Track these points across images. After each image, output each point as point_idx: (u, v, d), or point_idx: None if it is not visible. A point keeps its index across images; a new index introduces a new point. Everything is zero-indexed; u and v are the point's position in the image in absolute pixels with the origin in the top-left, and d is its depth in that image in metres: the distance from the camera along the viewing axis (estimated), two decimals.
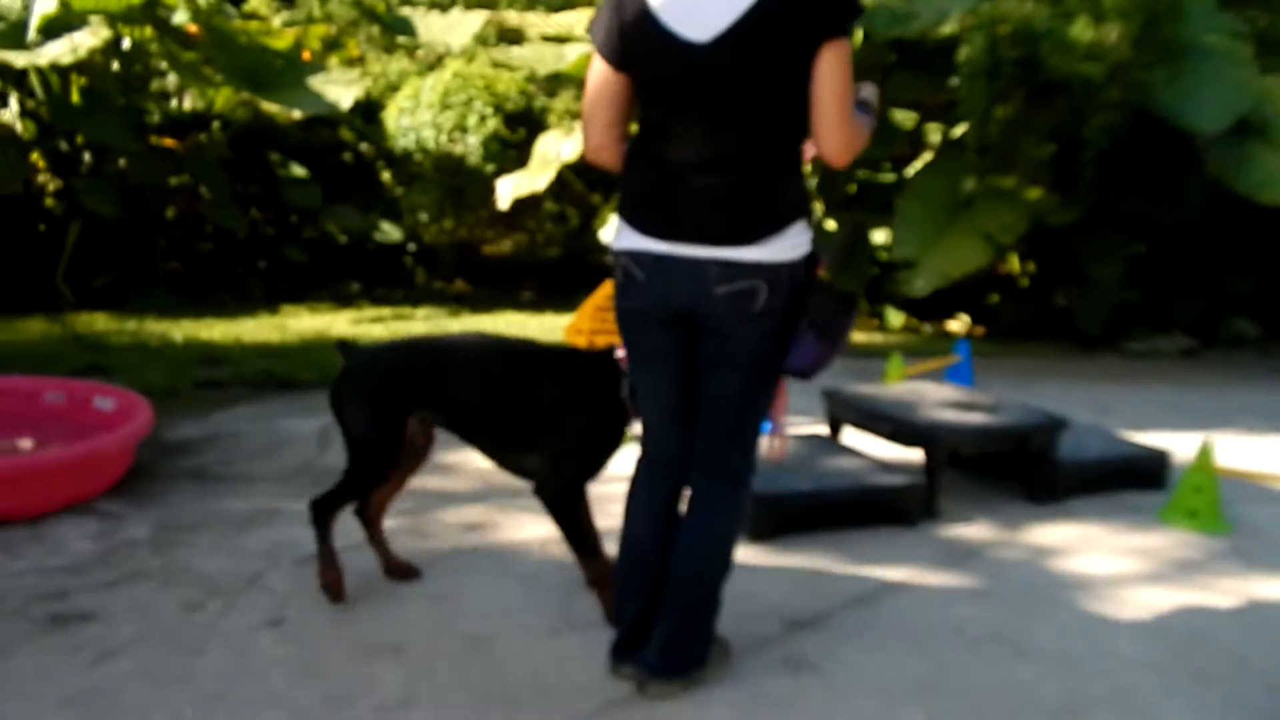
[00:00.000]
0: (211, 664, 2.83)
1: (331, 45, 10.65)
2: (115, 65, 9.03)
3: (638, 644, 2.73)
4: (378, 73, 10.96)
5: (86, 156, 9.13)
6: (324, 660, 2.87)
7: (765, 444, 2.85)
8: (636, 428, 2.88)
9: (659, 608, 2.69)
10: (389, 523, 3.72)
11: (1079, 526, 4.21)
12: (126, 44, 8.88)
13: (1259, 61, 7.83)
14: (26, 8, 8.31)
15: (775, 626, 3.17)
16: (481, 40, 10.99)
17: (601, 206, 9.94)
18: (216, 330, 7.88)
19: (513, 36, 11.08)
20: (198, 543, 3.69)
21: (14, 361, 6.10)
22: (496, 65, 10.18)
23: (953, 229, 7.80)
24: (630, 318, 2.66)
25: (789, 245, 2.46)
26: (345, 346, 3.22)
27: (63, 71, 8.54)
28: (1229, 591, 3.59)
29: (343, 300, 10.00)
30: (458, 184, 9.69)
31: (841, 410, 4.86)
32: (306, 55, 9.51)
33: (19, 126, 8.93)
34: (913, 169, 8.98)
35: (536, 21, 10.60)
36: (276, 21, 11.20)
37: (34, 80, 8.66)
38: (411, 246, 10.87)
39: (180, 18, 8.77)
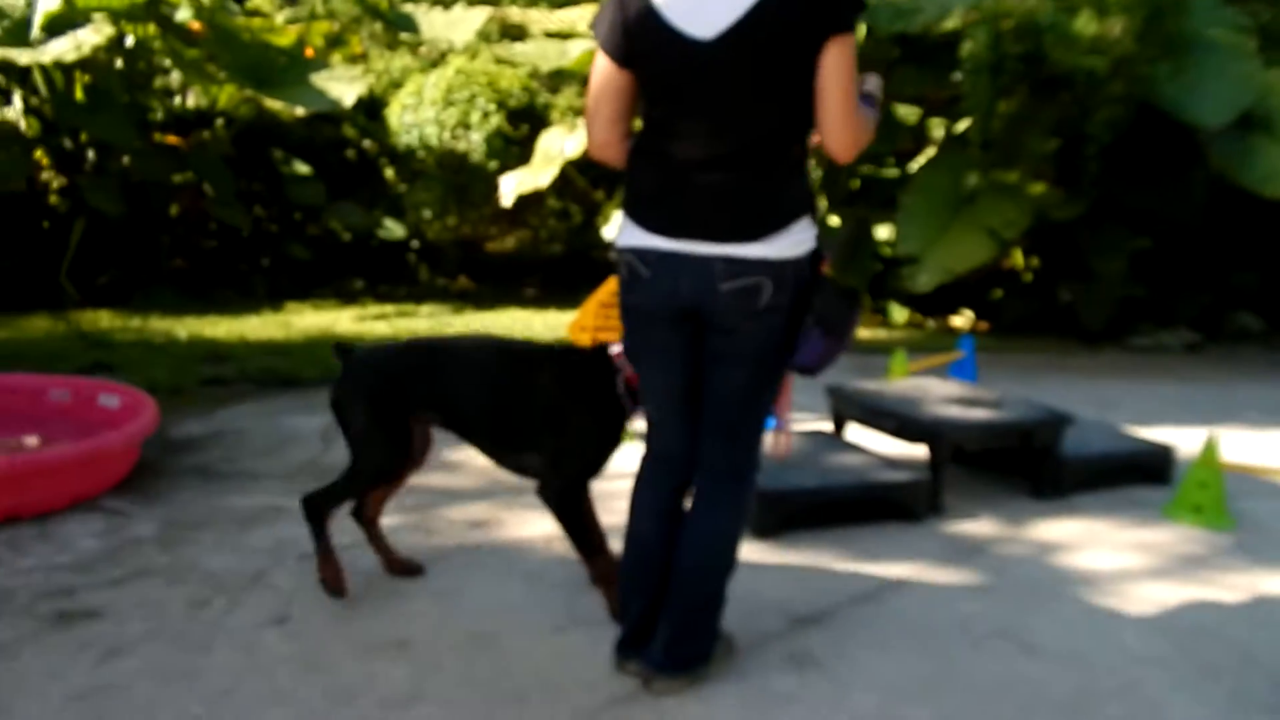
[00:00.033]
0: (218, 661, 2.83)
1: (334, 42, 10.65)
2: (119, 63, 9.03)
3: (643, 640, 2.74)
4: (380, 69, 10.95)
5: (90, 154, 9.13)
6: (329, 657, 2.87)
7: (769, 440, 2.86)
8: (638, 425, 2.89)
9: (664, 604, 2.70)
10: (393, 520, 3.74)
11: (1084, 522, 4.20)
12: (130, 41, 8.88)
13: (1263, 55, 7.80)
14: (30, 5, 8.31)
15: (780, 623, 3.17)
16: (484, 36, 10.97)
17: (605, 203, 9.94)
18: (221, 327, 7.89)
19: (515, 33, 11.06)
20: (203, 540, 3.70)
21: (19, 359, 6.12)
22: (499, 61, 10.17)
23: (956, 224, 7.78)
24: (635, 314, 2.66)
25: (793, 242, 2.47)
26: (343, 349, 3.21)
27: (66, 69, 8.54)
28: (1235, 586, 3.59)
29: (346, 297, 10.00)
30: (461, 181, 9.69)
31: (846, 406, 4.86)
32: (309, 52, 9.51)
33: (23, 124, 8.94)
34: (916, 164, 8.97)
35: (539, 18, 10.56)
36: (279, 18, 11.18)
37: (38, 78, 8.67)
38: (415, 243, 10.87)
39: (183, 15, 8.77)
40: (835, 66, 2.34)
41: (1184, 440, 5.11)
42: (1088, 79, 7.34)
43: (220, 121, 9.87)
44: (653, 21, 2.39)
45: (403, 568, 3.42)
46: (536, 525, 3.86)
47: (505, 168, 9.38)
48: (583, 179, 10.10)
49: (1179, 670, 2.97)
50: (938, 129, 9.10)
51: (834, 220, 9.31)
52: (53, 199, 9.30)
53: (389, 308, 9.40)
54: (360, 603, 3.21)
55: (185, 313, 8.48)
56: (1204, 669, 2.98)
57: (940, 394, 4.76)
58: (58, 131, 9.05)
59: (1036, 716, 2.70)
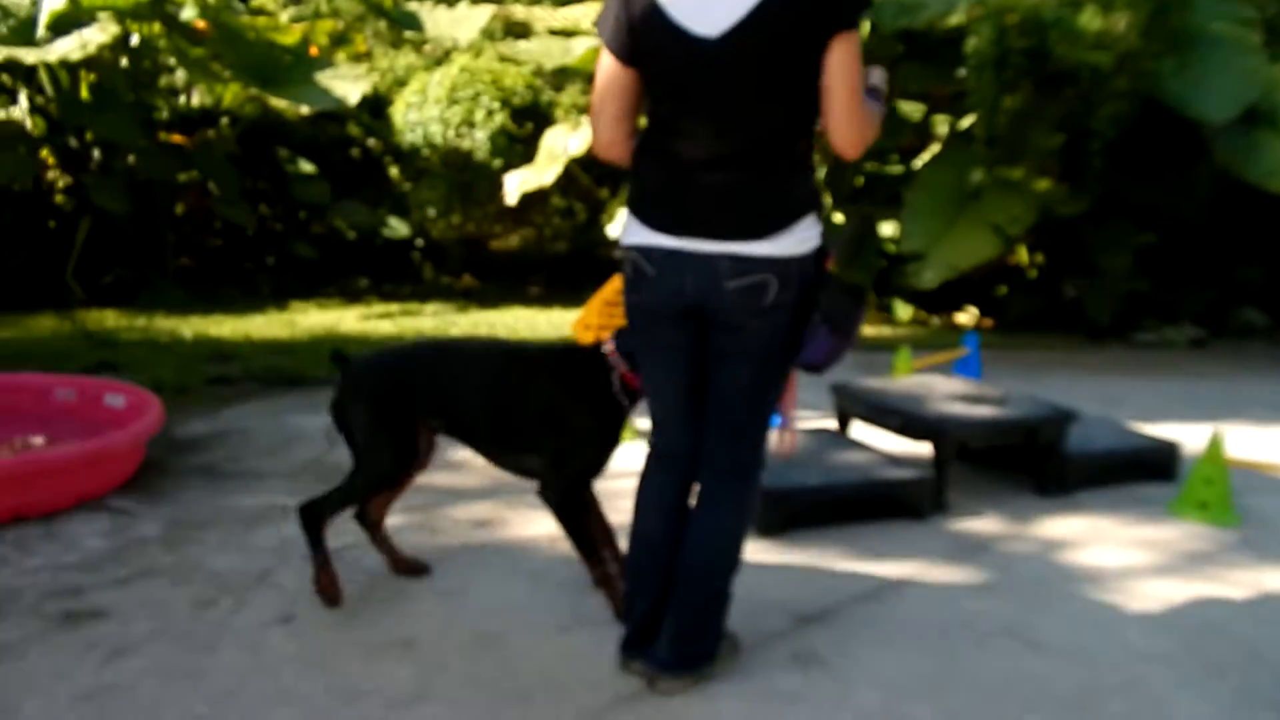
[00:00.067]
0: (223, 661, 2.84)
1: (339, 41, 10.65)
2: (124, 62, 9.04)
3: (648, 639, 2.74)
4: (385, 68, 10.96)
5: (96, 153, 9.15)
6: (335, 656, 2.88)
7: (774, 438, 2.86)
8: (643, 424, 2.89)
9: (669, 602, 2.70)
10: (397, 519, 3.74)
11: (1089, 519, 4.20)
12: (135, 40, 8.89)
13: (1268, 50, 7.79)
14: (36, 5, 8.33)
15: (784, 621, 3.17)
16: (488, 34, 10.97)
17: (609, 201, 9.93)
18: (226, 326, 7.90)
19: (519, 30, 11.06)
20: (208, 540, 3.71)
21: (25, 358, 6.14)
22: (503, 59, 10.17)
23: (961, 221, 7.78)
24: (640, 313, 2.66)
25: (799, 240, 2.47)
26: (341, 358, 3.18)
27: (72, 68, 8.56)
28: (1240, 583, 3.59)
29: (351, 296, 10.01)
30: (465, 179, 9.69)
31: (850, 404, 4.86)
32: (314, 51, 9.51)
33: (28, 123, 8.95)
34: (920, 161, 8.96)
35: (543, 15, 10.58)
36: (284, 17, 11.18)
37: (43, 77, 8.68)
38: (419, 242, 10.88)
39: (188, 14, 8.78)
40: (840, 63, 2.34)
41: (1189, 436, 5.10)
42: (1092, 74, 7.32)
43: (225, 120, 9.89)
44: (658, 20, 2.39)
45: (408, 567, 3.43)
46: (541, 524, 3.86)
47: (509, 166, 9.39)
48: (587, 177, 10.10)
49: (1184, 667, 2.97)
50: (942, 125, 9.09)
51: (838, 217, 9.30)
52: (58, 198, 9.33)
53: (394, 306, 9.41)
54: (365, 602, 3.22)
55: (190, 312, 8.50)
56: (1209, 666, 2.98)
57: (945, 391, 4.75)
58: (63, 130, 9.07)
59: (1041, 713, 2.70)
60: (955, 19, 7.64)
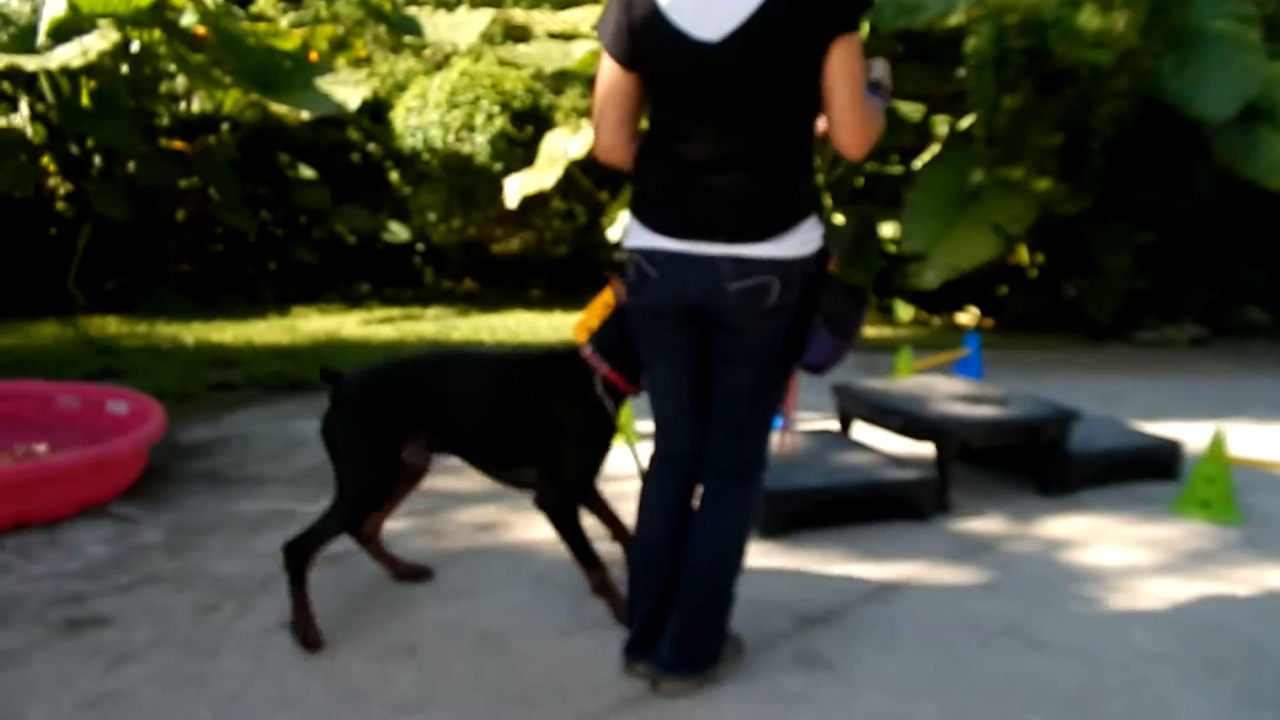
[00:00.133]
0: (227, 666, 2.84)
1: (339, 46, 10.67)
2: (124, 68, 9.07)
3: (651, 641, 2.74)
4: (385, 73, 10.97)
5: (97, 160, 9.17)
6: (339, 661, 2.88)
7: (775, 439, 2.86)
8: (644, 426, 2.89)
9: (672, 604, 2.70)
10: (401, 523, 3.75)
11: (1091, 518, 4.20)
12: (135, 47, 8.92)
13: (1267, 46, 7.79)
14: (36, 12, 8.35)
15: (787, 623, 3.17)
16: (488, 38, 10.99)
17: (609, 203, 9.94)
18: (227, 332, 7.91)
19: (519, 34, 11.08)
20: (211, 545, 3.71)
21: (27, 366, 6.14)
22: (503, 63, 10.18)
23: (961, 221, 7.78)
24: (643, 314, 2.67)
25: (800, 241, 2.47)
26: (330, 375, 3.10)
27: (72, 75, 8.58)
28: (1243, 581, 3.59)
29: (352, 301, 10.02)
30: (465, 183, 9.70)
31: (851, 405, 4.86)
32: (314, 56, 9.53)
33: (29, 130, 8.97)
34: (920, 161, 8.97)
35: (543, 19, 10.58)
36: (284, 23, 11.21)
37: (44, 84, 8.70)
38: (420, 246, 10.89)
39: (188, 20, 8.80)
40: (842, 65, 2.34)
41: (1191, 435, 5.10)
42: (1092, 73, 7.33)
43: (225, 126, 9.90)
44: (658, 24, 2.39)
45: (410, 573, 3.42)
46: (544, 528, 3.82)
47: (510, 169, 9.40)
48: (587, 180, 10.11)
49: (1187, 666, 2.97)
50: (942, 125, 9.10)
51: (839, 218, 9.31)
52: (59, 205, 9.35)
53: (395, 311, 9.42)
54: (369, 606, 3.22)
55: (192, 318, 8.51)
56: (1212, 664, 2.98)
57: (946, 391, 4.75)
58: (64, 137, 9.09)
59: (1044, 713, 2.70)
60: (955, 19, 7.65)
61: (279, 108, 8.85)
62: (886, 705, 2.72)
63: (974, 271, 7.97)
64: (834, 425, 4.97)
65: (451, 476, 4.44)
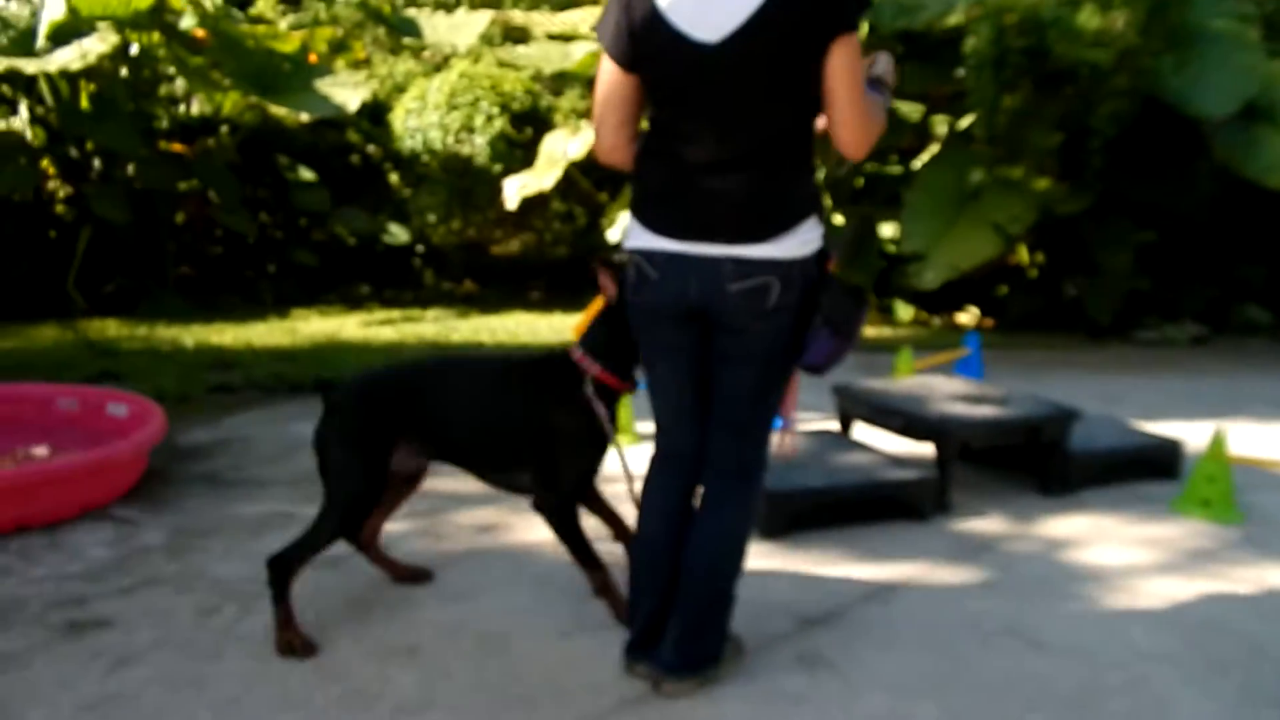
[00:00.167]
0: (228, 668, 2.84)
1: (338, 48, 10.67)
2: (124, 71, 9.07)
3: (652, 642, 2.74)
4: (384, 74, 10.97)
5: (96, 162, 9.17)
6: (340, 663, 2.88)
7: (775, 440, 2.86)
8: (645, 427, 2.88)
9: (673, 605, 2.70)
10: (401, 525, 3.76)
11: (1092, 518, 4.20)
12: (135, 50, 8.92)
13: (1266, 45, 7.80)
14: (35, 15, 8.36)
15: (788, 623, 3.17)
16: (487, 40, 11.00)
17: (609, 204, 9.95)
18: (227, 334, 7.91)
19: (518, 36, 11.08)
20: (212, 548, 3.71)
21: (27, 369, 6.14)
22: (502, 65, 10.19)
23: (961, 221, 7.79)
24: (643, 315, 2.67)
25: (800, 242, 2.47)
26: (324, 385, 3.09)
27: (72, 78, 8.58)
28: (1243, 580, 3.59)
29: (352, 303, 10.02)
30: (465, 184, 9.71)
31: (852, 405, 4.86)
32: (313, 58, 9.53)
33: (29, 133, 8.98)
34: (920, 161, 8.97)
35: (542, 20, 10.59)
36: (283, 25, 11.22)
37: (43, 87, 8.70)
38: (420, 248, 10.89)
39: (187, 23, 8.81)
40: (842, 67, 2.34)
41: (1191, 434, 5.10)
42: (1091, 73, 7.33)
43: (225, 128, 9.91)
44: (658, 26, 2.39)
45: (410, 575, 3.42)
46: (544, 530, 3.83)
47: (509, 171, 9.40)
48: (586, 181, 10.12)
49: (1187, 665, 2.96)
50: (941, 125, 9.10)
51: (838, 219, 9.31)
52: (59, 208, 9.35)
53: (395, 313, 9.42)
54: (370, 608, 3.22)
55: (192, 320, 8.51)
56: (1212, 663, 2.98)
57: (946, 391, 4.75)
58: (64, 140, 9.09)
59: (1044, 712, 2.70)
60: (954, 19, 7.65)
61: (278, 110, 8.85)
62: (887, 705, 2.72)
63: (974, 271, 7.97)
64: (834, 425, 4.97)
65: (451, 478, 4.42)
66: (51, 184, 9.31)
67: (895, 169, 9.66)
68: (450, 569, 3.53)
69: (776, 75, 2.36)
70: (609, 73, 2.52)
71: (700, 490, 2.75)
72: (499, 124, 9.49)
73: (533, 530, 3.87)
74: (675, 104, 2.47)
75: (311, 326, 8.52)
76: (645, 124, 2.60)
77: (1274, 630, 3.20)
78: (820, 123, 2.51)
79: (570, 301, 9.84)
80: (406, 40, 10.97)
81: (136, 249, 9.27)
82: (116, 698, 2.68)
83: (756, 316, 2.49)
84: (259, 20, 11.04)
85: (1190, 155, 8.19)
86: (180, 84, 9.81)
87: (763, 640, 3.03)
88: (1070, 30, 7.27)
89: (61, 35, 8.11)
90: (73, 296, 8.81)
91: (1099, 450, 4.59)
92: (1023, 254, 9.56)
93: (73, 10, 7.97)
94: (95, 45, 8.05)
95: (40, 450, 4.44)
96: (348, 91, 9.10)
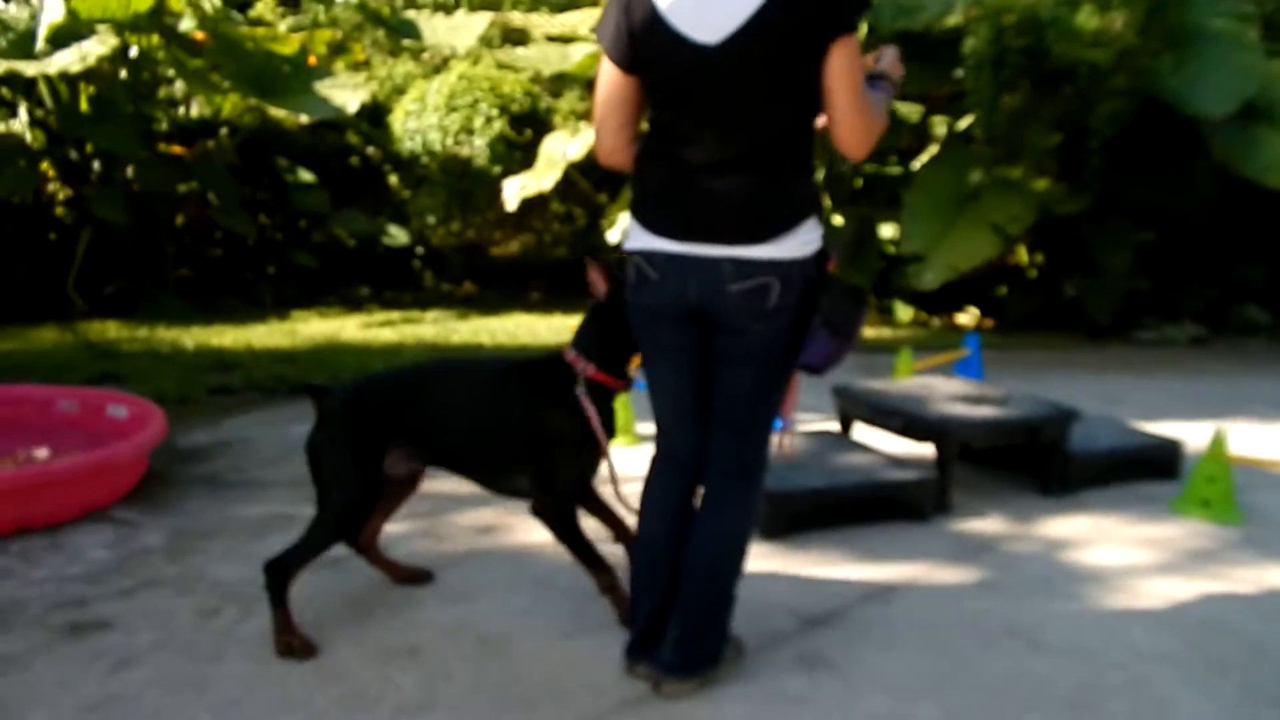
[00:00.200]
0: (229, 670, 2.84)
1: (337, 50, 10.68)
2: (123, 73, 9.08)
3: (653, 643, 2.74)
4: (383, 76, 10.98)
5: (96, 165, 9.18)
6: (340, 664, 2.88)
7: (775, 441, 2.86)
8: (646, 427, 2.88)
9: (674, 605, 2.71)
10: (402, 526, 3.76)
11: (1092, 518, 4.20)
12: (134, 52, 8.93)
13: (1265, 45, 7.81)
14: (34, 18, 8.36)
15: (789, 624, 3.18)
16: (486, 42, 11.00)
17: (608, 205, 9.96)
18: (227, 336, 7.91)
19: (517, 37, 11.09)
20: (213, 549, 3.71)
21: (27, 370, 6.15)
22: (501, 66, 10.20)
23: (960, 221, 7.79)
24: (643, 316, 2.67)
25: (800, 242, 2.47)
26: (316, 391, 3.08)
27: (71, 80, 8.58)
28: (1244, 580, 3.59)
29: (352, 304, 10.03)
30: (465, 186, 9.71)
31: (852, 406, 4.86)
32: (313, 60, 9.54)
33: (29, 136, 8.98)
34: (919, 162, 8.98)
35: (541, 22, 10.60)
36: (282, 27, 11.23)
37: (43, 89, 8.71)
38: (419, 249, 10.91)
39: (187, 25, 8.82)
40: (841, 68, 2.34)
41: (1191, 434, 5.10)
42: (1090, 73, 7.34)
43: (224, 130, 9.92)
44: (657, 27, 2.39)
45: (410, 576, 3.42)
46: (544, 531, 3.85)
47: (509, 172, 9.41)
48: (586, 182, 10.12)
49: (1187, 665, 2.97)
50: (940, 126, 9.11)
51: (838, 219, 9.31)
52: (59, 210, 9.36)
53: (394, 314, 9.42)
54: (370, 610, 3.22)
55: (192, 322, 8.52)
56: (1213, 663, 2.98)
57: (946, 392, 4.76)
58: (63, 143, 9.10)
59: (1044, 712, 2.70)
60: (953, 19, 7.67)
61: (278, 112, 8.86)
62: (887, 705, 2.72)
63: (973, 272, 7.98)
64: (834, 426, 4.97)
65: (451, 479, 4.44)
66: (51, 186, 9.32)
67: (895, 169, 9.67)
68: (451, 570, 3.53)
69: (776, 76, 2.36)
70: (609, 74, 2.52)
71: (701, 491, 2.75)
72: (498, 126, 9.49)
73: (533, 531, 3.87)
74: (675, 105, 2.47)
75: (311, 328, 8.52)
76: (645, 125, 2.60)
77: (1274, 630, 3.20)
78: (820, 122, 2.52)
79: (570, 303, 9.84)
80: (406, 42, 10.98)
81: (136, 251, 9.28)
82: (117, 699, 2.68)
83: (756, 317, 2.49)
84: (258, 22, 11.05)
85: (1189, 155, 8.19)
86: (180, 86, 9.82)
87: (763, 640, 3.03)
88: (1069, 30, 7.28)
89: (61, 38, 8.11)
90: (73, 298, 8.82)
91: (1099, 450, 4.59)
92: (1022, 254, 9.56)
93: (72, 13, 7.98)
94: (95, 48, 8.05)
95: (40, 452, 4.44)
96: (347, 93, 9.11)
